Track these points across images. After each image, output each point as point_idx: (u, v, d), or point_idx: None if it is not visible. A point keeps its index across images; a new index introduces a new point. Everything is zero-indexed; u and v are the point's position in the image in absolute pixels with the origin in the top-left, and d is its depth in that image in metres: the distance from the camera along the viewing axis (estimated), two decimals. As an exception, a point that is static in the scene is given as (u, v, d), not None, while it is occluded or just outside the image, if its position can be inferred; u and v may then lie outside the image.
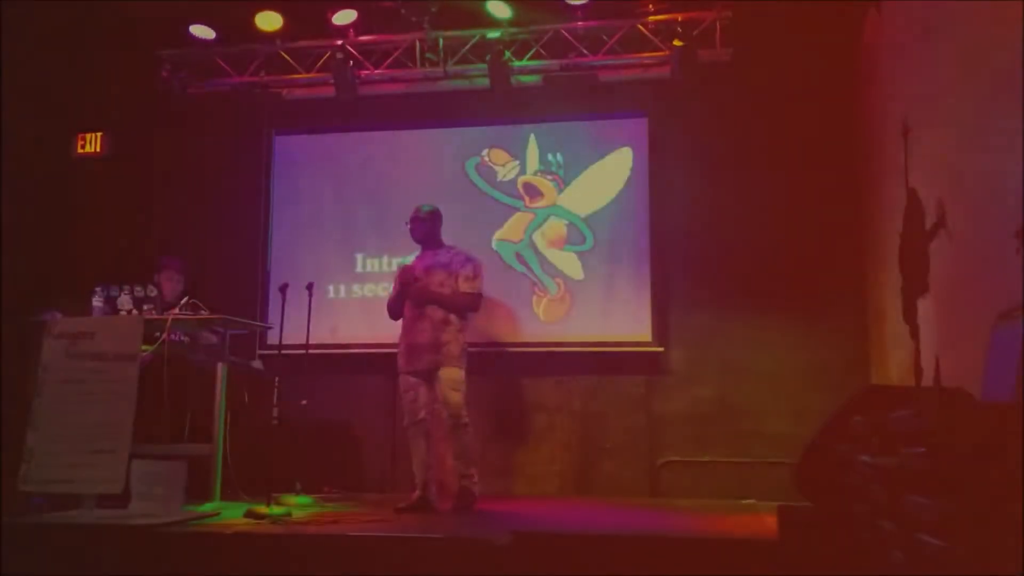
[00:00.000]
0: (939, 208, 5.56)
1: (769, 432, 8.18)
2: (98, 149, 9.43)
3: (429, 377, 6.91)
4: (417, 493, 6.84)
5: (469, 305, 7.06)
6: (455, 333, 6.92)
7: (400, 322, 7.15)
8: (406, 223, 7.22)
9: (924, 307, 6.07)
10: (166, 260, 7.90)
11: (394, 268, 8.82)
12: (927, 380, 5.97)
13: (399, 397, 7.14)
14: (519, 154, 9.06)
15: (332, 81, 8.88)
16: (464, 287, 7.00)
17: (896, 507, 3.17)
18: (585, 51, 8.57)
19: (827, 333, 8.28)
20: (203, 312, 7.08)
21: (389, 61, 8.95)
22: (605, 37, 8.55)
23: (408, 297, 7.05)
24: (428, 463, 6.93)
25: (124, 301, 6.93)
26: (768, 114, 8.52)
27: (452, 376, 6.84)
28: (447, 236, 7.29)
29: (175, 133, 9.59)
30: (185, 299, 7.18)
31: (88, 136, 9.44)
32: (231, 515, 6.18)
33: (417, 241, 7.21)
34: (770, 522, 5.59)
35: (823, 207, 8.35)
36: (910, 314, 6.41)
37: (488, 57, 8.54)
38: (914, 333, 6.31)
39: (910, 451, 3.06)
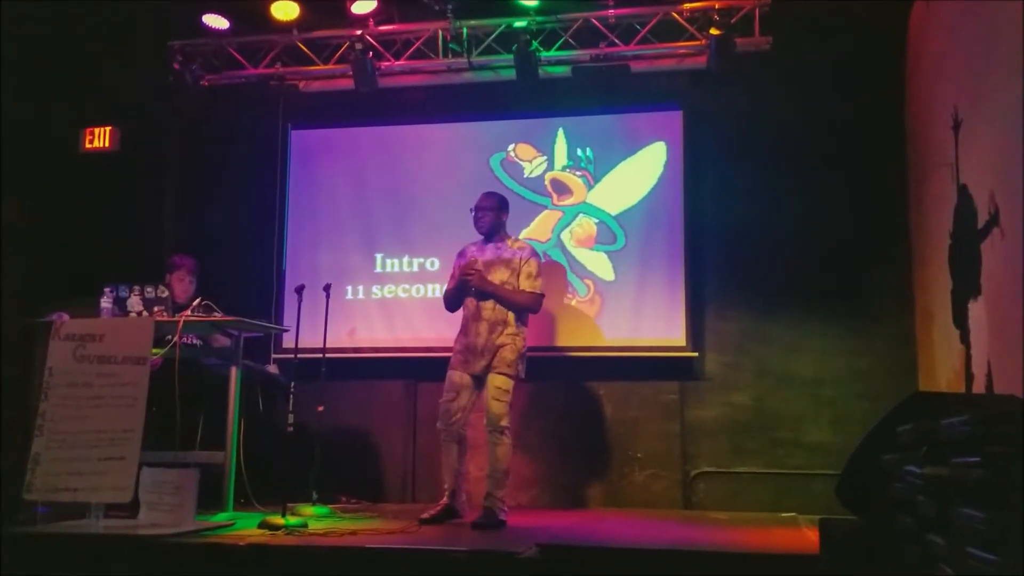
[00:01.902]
0: (992, 205, 5.51)
1: (810, 441, 8.15)
2: (107, 144, 9.45)
3: (473, 380, 6.86)
4: (443, 501, 6.80)
5: (529, 305, 6.92)
6: (512, 336, 6.82)
7: (459, 320, 7.11)
8: (471, 210, 7.16)
9: (975, 310, 6.02)
10: (178, 260, 7.91)
11: (415, 268, 8.89)
12: (978, 386, 5.93)
13: (441, 399, 6.98)
14: (547, 149, 9.03)
15: (351, 73, 8.88)
16: (525, 285, 6.89)
17: (945, 520, 3.14)
18: (616, 41, 8.54)
19: (872, 337, 8.24)
20: (216, 314, 7.09)
21: (410, 52, 8.95)
22: (638, 26, 8.52)
23: (467, 289, 6.98)
24: (459, 471, 6.87)
25: (134, 302, 6.94)
26: (809, 106, 8.49)
27: (498, 383, 6.73)
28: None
29: (187, 127, 9.62)
30: (197, 300, 7.18)
31: (97, 131, 9.46)
32: (245, 526, 6.19)
33: (483, 233, 7.14)
34: (811, 536, 5.57)
35: (868, 203, 8.33)
36: (960, 317, 6.36)
37: (514, 47, 8.51)
38: (964, 337, 6.26)
39: (960, 461, 3.02)
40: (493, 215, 7.09)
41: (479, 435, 6.99)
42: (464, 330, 6.98)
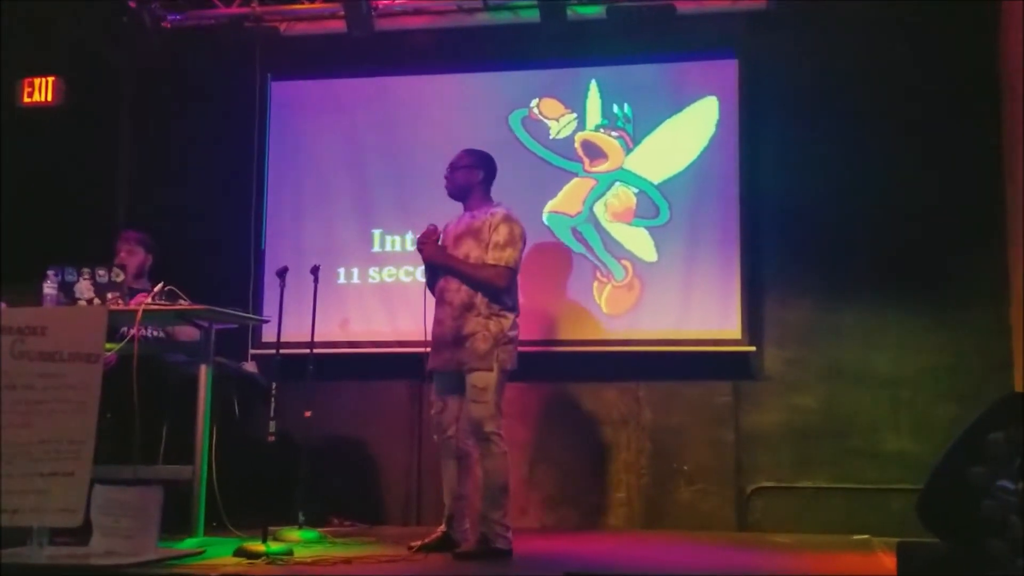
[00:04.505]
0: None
1: (887, 451, 8.17)
2: (50, 98, 9.42)
3: (457, 381, 6.55)
4: (441, 528, 6.64)
5: (490, 280, 6.51)
6: (483, 322, 6.45)
7: None
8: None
9: (1083, 297, 6.04)
10: (123, 233, 7.90)
11: (419, 247, 8.87)
12: (1086, 388, 5.95)
13: (431, 410, 6.81)
14: (577, 105, 9.04)
15: (342, 13, 8.89)
16: (490, 256, 6.54)
17: (1043, 545, 3.17)
18: (660, -25, 8.57)
19: (961, 329, 8.24)
20: (182, 301, 7.08)
21: (414, -12, 9.00)
22: (684, -43, 8.54)
23: (427, 264, 6.79)
24: (460, 494, 6.66)
25: (83, 288, 6.91)
26: (887, 56, 8.48)
27: (473, 382, 6.41)
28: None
29: (146, 79, 9.65)
30: (160, 285, 7.13)
31: (37, 82, 9.43)
32: (217, 553, 6.23)
33: (450, 195, 6.90)
34: (887, 562, 5.62)
35: (956, 172, 8.31)
36: (1065, 305, 6.39)
37: (538, -17, 8.54)
38: (1070, 329, 6.29)
39: (1061, 475, 3.05)
40: (463, 174, 6.82)
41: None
42: (434, 318, 6.74)
